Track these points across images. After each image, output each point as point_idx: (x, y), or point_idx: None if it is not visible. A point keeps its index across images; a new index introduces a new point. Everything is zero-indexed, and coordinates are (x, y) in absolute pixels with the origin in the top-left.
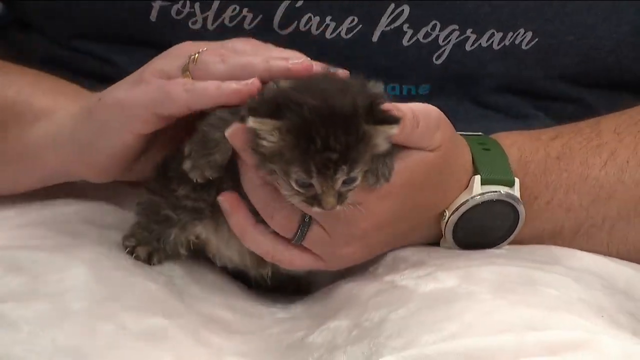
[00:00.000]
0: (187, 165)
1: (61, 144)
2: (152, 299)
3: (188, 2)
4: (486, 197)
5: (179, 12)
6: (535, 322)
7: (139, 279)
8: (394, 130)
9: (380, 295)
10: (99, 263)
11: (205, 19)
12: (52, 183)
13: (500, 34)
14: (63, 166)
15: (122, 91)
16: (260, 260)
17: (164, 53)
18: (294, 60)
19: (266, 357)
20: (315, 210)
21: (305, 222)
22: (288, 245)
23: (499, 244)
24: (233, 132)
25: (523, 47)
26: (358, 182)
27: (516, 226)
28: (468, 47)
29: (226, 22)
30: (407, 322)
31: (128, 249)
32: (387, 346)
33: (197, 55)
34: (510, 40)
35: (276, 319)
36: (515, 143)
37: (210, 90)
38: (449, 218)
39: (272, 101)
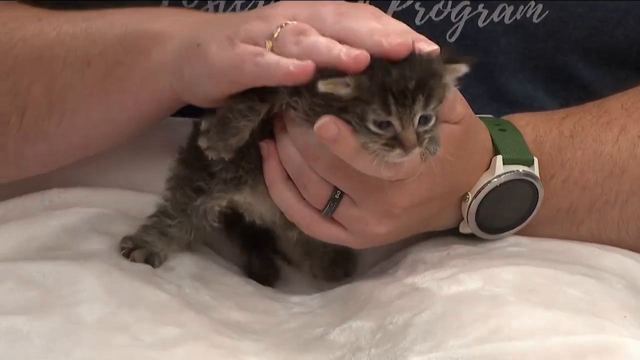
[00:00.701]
0: (203, 143)
1: (172, 77)
2: (164, 309)
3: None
4: (509, 177)
5: (190, 0)
6: (560, 325)
7: (150, 288)
8: (464, 68)
9: (403, 297)
10: (109, 274)
11: (216, 7)
12: (171, 112)
13: (512, 8)
14: (177, 94)
15: (214, 48)
16: (288, 221)
17: (265, 11)
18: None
19: (283, 353)
20: (395, 156)
21: (335, 198)
22: (314, 211)
23: (518, 225)
24: (323, 125)
25: (534, 20)
26: (434, 123)
27: (535, 206)
28: (480, 23)
29: (237, 8)
30: (431, 326)
31: (124, 250)
32: (412, 350)
33: (281, 28)
34: (522, 13)
35: (292, 314)
36: (529, 123)
37: (272, 68)
38: (472, 200)
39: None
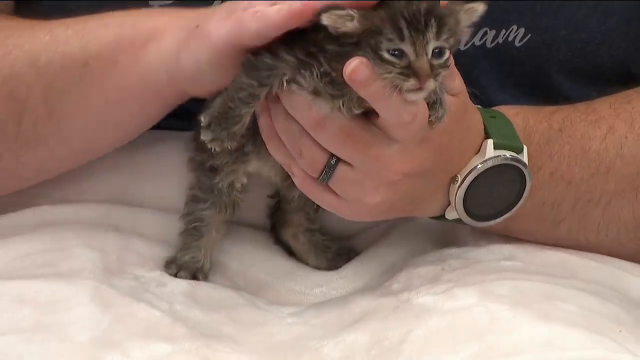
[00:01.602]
0: (206, 136)
1: (172, 68)
2: (155, 326)
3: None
4: (498, 161)
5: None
6: (555, 341)
7: (141, 305)
8: (481, 8)
9: (398, 312)
10: (101, 292)
11: None
12: (172, 108)
13: (493, 32)
14: (178, 85)
15: (215, 23)
16: (291, 181)
17: None
18: None
19: None
20: (410, 86)
21: (331, 164)
22: None
23: (504, 214)
24: (355, 66)
25: (516, 43)
26: (447, 57)
27: (522, 194)
28: (462, 47)
29: None
30: (427, 341)
31: (170, 274)
32: None
33: None
34: (504, 37)
35: (286, 324)
36: (519, 113)
37: (273, 15)
38: (461, 182)
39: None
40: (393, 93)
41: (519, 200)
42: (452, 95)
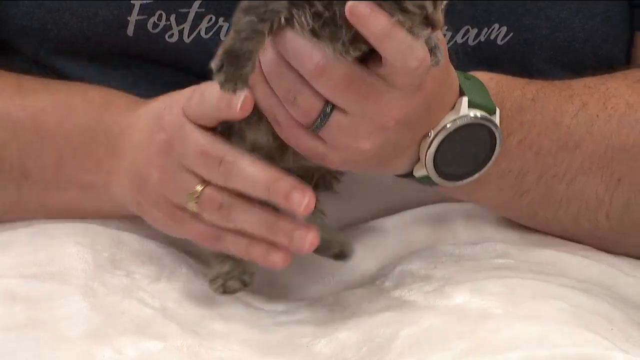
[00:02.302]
0: (220, 77)
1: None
2: (147, 323)
3: (164, 15)
4: (472, 120)
5: (155, 26)
6: (546, 338)
7: (133, 303)
8: None
9: (390, 310)
10: (93, 289)
11: (181, 32)
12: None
13: (475, 30)
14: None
15: (128, 202)
16: (281, 146)
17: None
18: None
19: None
20: (426, 34)
21: (327, 112)
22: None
23: (472, 175)
24: (355, 3)
25: (498, 42)
26: (445, 4)
27: (492, 156)
28: None
29: (202, 33)
30: (418, 339)
31: (219, 290)
32: None
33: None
34: (486, 35)
35: (277, 322)
36: (492, 79)
37: None
38: (434, 138)
39: None
40: (401, 31)
41: (488, 162)
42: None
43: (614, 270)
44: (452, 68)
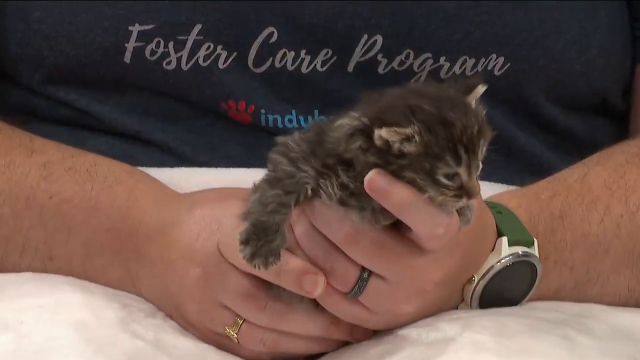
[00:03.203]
0: (246, 252)
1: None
2: (140, 356)
3: (162, 42)
4: (514, 259)
5: (152, 53)
6: None
7: (125, 335)
8: (483, 88)
9: (382, 344)
10: (85, 323)
11: (179, 59)
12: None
13: (473, 60)
14: None
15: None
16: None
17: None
18: None
19: None
20: (462, 204)
21: (364, 278)
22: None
23: (513, 305)
24: (374, 177)
25: (495, 72)
26: (481, 168)
27: (533, 286)
28: (442, 75)
29: (200, 61)
30: None
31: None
32: None
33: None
34: (483, 66)
35: None
36: (520, 205)
37: None
38: (478, 282)
39: (389, 110)
40: (421, 201)
41: (529, 292)
42: None
43: (604, 306)
44: (487, 209)
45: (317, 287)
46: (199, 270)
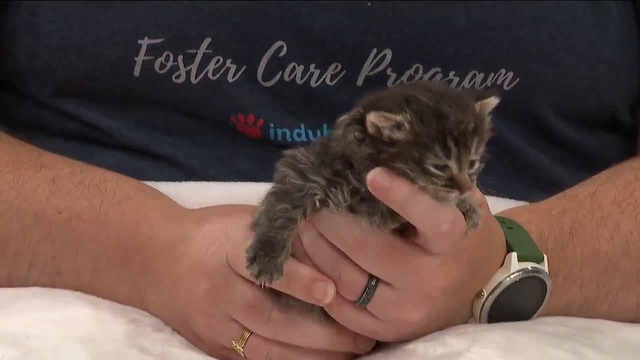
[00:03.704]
0: (253, 269)
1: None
2: None
3: (171, 55)
4: (524, 274)
5: (162, 66)
6: None
7: (133, 350)
8: (495, 101)
9: (390, 358)
10: (93, 338)
11: (188, 72)
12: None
13: (482, 75)
14: None
15: (169, 323)
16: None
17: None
18: None
19: None
20: (452, 197)
21: (372, 285)
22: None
23: (523, 320)
24: (375, 176)
25: (505, 87)
26: (478, 167)
27: (542, 302)
28: None
29: (209, 74)
30: None
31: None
32: None
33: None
34: (492, 80)
35: None
36: (531, 221)
37: None
38: (487, 297)
39: (385, 98)
40: (422, 196)
41: (538, 308)
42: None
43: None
44: (496, 223)
45: (326, 295)
46: (207, 283)
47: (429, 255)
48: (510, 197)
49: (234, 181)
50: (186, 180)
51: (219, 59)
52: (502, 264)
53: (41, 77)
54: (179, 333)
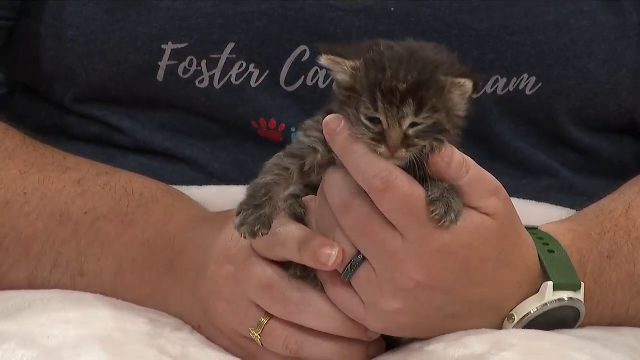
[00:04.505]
0: (236, 222)
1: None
2: None
3: (195, 60)
4: (558, 304)
5: (185, 71)
6: None
7: (152, 351)
8: (469, 86)
9: (409, 359)
10: (112, 338)
11: (212, 77)
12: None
13: (505, 80)
14: None
15: (187, 320)
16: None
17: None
18: None
19: None
20: (381, 152)
21: (358, 259)
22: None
23: None
24: (329, 119)
25: (527, 92)
26: (424, 126)
27: (574, 326)
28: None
29: (233, 79)
30: None
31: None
32: None
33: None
34: (515, 85)
35: None
36: (574, 243)
37: None
38: (518, 322)
39: (354, 46)
40: (360, 147)
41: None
42: (485, 214)
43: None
44: (525, 243)
45: (330, 259)
46: (230, 267)
47: (405, 241)
48: (529, 199)
49: None
50: (207, 184)
51: (242, 64)
52: (538, 289)
53: (65, 81)
54: (198, 330)
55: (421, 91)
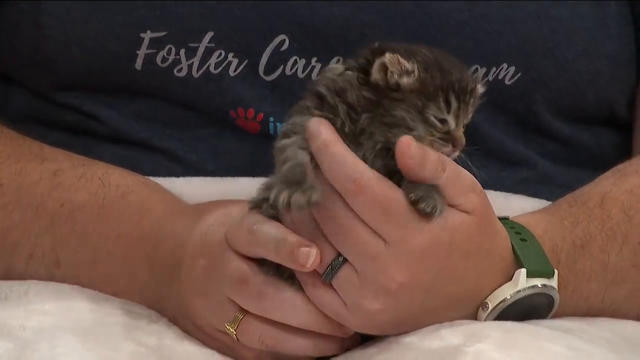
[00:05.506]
0: (281, 198)
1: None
2: None
3: (173, 49)
4: (532, 291)
5: (164, 60)
6: None
7: (128, 343)
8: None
9: (385, 352)
10: (88, 329)
11: (190, 66)
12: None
13: (484, 69)
14: None
15: (168, 315)
16: None
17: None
18: None
19: None
20: (447, 151)
21: (338, 261)
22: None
23: None
24: (313, 121)
25: (506, 82)
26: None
27: (547, 315)
28: None
29: (211, 68)
30: None
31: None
32: None
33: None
34: (494, 75)
35: None
36: (546, 232)
37: None
38: (491, 310)
39: (390, 47)
40: (338, 148)
41: (543, 319)
42: (464, 211)
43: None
44: (499, 233)
45: (309, 259)
46: (205, 261)
47: (385, 244)
48: (506, 191)
49: (232, 176)
50: (184, 175)
51: (221, 53)
52: (511, 277)
53: (42, 69)
54: (175, 324)
55: (477, 90)
